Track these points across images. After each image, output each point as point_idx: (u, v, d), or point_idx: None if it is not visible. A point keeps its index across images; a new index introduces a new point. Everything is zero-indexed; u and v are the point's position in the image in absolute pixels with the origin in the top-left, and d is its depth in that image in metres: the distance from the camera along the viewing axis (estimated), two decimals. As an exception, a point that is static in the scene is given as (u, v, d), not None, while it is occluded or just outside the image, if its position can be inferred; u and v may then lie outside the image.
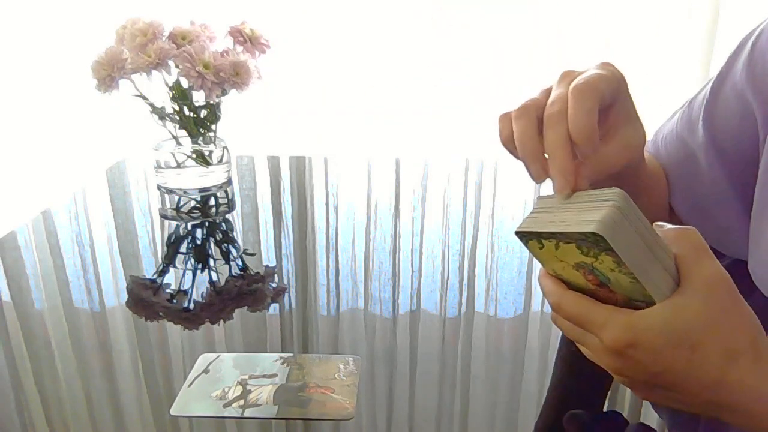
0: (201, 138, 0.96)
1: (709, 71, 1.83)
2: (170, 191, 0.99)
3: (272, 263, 0.80)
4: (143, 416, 0.55)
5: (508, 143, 0.45)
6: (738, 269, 0.59)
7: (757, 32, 0.56)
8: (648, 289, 0.39)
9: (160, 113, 0.94)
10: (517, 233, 0.43)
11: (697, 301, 0.37)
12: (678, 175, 0.65)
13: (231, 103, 0.96)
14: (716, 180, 0.60)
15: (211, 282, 0.76)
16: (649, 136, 0.70)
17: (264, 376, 0.58)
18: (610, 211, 0.38)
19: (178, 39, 0.90)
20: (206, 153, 0.97)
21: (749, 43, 0.56)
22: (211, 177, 0.98)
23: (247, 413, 0.54)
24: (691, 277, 0.38)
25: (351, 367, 0.59)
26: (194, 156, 0.96)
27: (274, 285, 0.75)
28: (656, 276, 0.39)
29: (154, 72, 0.89)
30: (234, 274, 0.78)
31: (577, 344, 0.43)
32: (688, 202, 0.65)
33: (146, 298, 0.73)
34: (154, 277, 0.77)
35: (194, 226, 0.93)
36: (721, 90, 0.59)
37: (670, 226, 0.40)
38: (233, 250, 0.85)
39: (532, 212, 0.44)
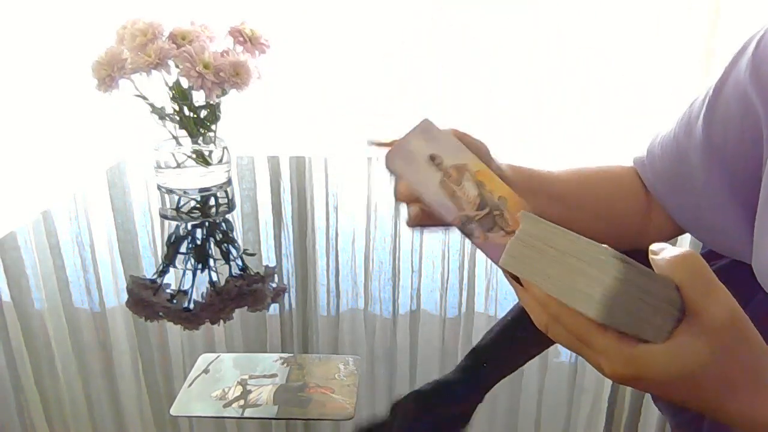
0: (201, 138, 0.96)
1: (709, 71, 1.83)
2: (170, 191, 0.99)
3: (272, 263, 0.80)
4: (143, 416, 0.55)
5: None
6: (738, 271, 0.59)
7: (762, 32, 0.56)
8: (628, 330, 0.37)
9: (160, 113, 0.94)
10: None
11: (702, 343, 0.36)
12: (674, 174, 0.65)
13: (231, 103, 0.96)
14: (712, 181, 0.60)
15: (211, 282, 0.76)
16: (650, 136, 0.70)
17: (264, 376, 0.58)
18: (511, 244, 0.39)
19: (178, 39, 0.90)
20: (206, 153, 0.97)
21: (753, 42, 0.56)
22: (211, 177, 0.98)
23: (247, 413, 0.54)
24: (697, 314, 0.36)
25: (351, 367, 0.59)
26: (194, 156, 0.96)
27: (274, 285, 0.75)
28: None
29: (154, 72, 0.89)
30: (234, 274, 0.78)
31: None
32: (684, 205, 0.65)
33: (146, 298, 0.73)
34: (154, 277, 0.77)
35: (194, 226, 0.93)
36: (723, 89, 0.59)
37: (668, 249, 0.38)
38: (233, 250, 0.85)
39: None
